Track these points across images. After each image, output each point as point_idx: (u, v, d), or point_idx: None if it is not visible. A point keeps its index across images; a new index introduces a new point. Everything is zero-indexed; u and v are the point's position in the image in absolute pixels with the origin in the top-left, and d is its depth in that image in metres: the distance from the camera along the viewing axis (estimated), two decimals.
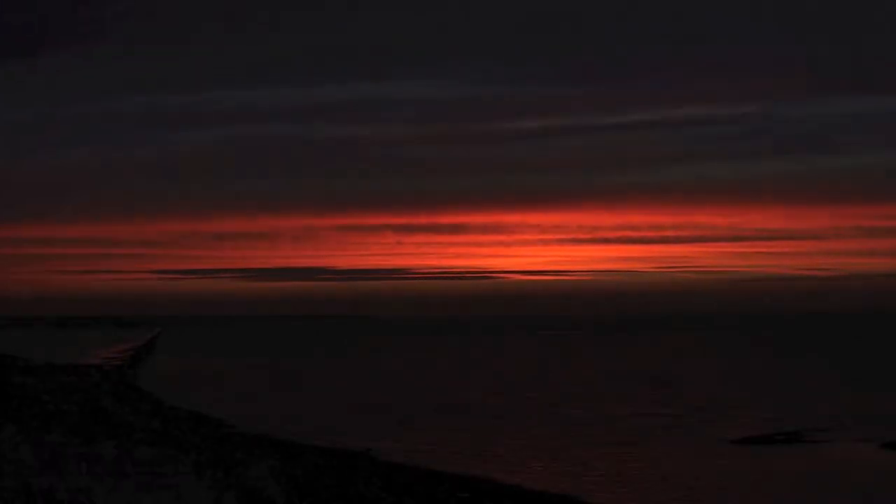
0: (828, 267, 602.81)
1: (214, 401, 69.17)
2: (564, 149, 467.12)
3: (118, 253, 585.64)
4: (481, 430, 51.25)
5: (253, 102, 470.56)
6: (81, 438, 31.65)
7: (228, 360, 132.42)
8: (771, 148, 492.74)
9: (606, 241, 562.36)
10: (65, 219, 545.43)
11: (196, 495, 22.56)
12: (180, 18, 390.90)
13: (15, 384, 65.93)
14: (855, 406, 60.79)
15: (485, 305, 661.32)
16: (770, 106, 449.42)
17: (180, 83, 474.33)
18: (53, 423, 37.18)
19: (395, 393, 75.66)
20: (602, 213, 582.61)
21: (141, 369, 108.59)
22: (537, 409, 61.62)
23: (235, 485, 24.26)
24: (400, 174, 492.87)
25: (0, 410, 39.67)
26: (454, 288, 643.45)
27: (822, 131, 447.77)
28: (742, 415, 56.77)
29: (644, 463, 39.91)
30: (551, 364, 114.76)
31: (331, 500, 27.76)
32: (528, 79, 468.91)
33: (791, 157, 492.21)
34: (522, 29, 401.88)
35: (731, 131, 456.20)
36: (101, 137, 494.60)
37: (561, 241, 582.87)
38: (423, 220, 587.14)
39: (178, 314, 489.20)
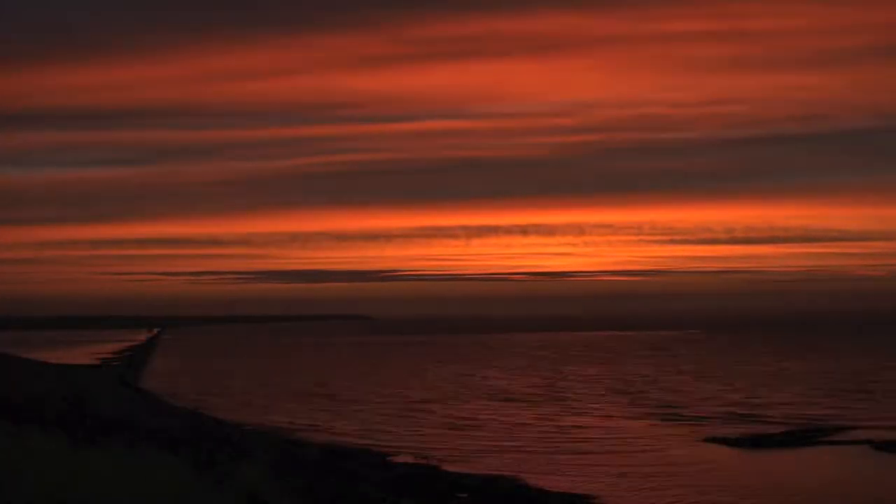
0: None
1: (215, 400, 69.35)
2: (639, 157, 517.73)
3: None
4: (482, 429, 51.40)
5: None
6: (81, 438, 31.73)
7: (231, 361, 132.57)
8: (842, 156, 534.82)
9: (675, 241, 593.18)
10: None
11: (196, 495, 22.64)
12: None
13: (15, 384, 65.98)
14: None
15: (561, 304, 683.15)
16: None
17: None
18: (52, 424, 37.26)
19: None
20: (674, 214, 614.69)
21: (141, 369, 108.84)
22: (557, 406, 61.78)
23: (235, 485, 24.34)
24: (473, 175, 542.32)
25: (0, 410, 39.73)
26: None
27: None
28: None
29: (647, 462, 40.04)
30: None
31: (331, 500, 27.86)
32: None
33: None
34: None
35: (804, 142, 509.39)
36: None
37: (629, 242, 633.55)
38: (495, 221, 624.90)
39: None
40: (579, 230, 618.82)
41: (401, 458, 40.85)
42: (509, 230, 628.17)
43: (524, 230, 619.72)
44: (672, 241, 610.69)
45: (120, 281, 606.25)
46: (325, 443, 45.86)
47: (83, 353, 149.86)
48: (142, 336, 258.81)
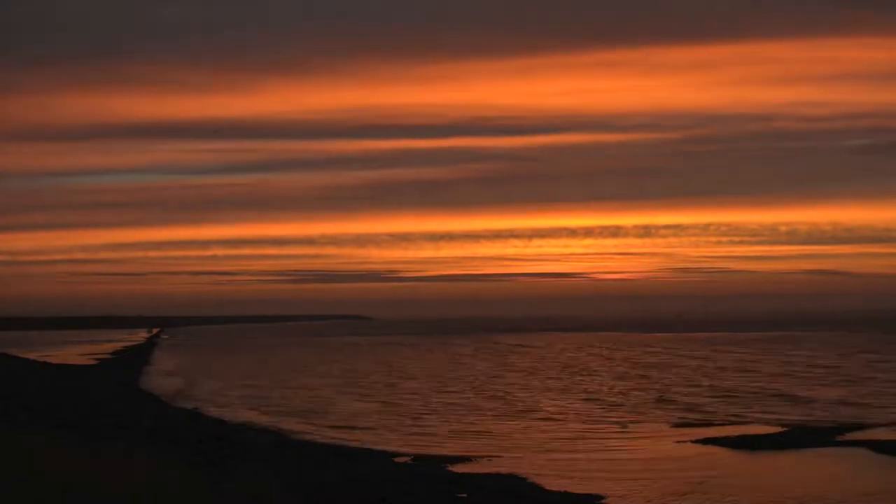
0: None
1: (215, 400, 69.40)
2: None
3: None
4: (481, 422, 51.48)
5: None
6: (82, 438, 31.78)
7: (232, 362, 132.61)
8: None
9: (734, 242, 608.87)
10: None
11: (196, 495, 22.70)
12: None
13: (16, 383, 66.06)
14: None
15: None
16: None
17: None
18: (52, 424, 37.33)
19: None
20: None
21: (141, 369, 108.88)
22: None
23: (235, 485, 24.40)
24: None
25: (2, 410, 39.85)
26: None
27: None
28: None
29: (646, 461, 40.11)
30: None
31: (331, 499, 27.92)
32: None
33: None
34: None
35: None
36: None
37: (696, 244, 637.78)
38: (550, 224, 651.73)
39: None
40: (645, 231, 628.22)
41: (402, 459, 40.93)
42: (573, 232, 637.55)
43: (588, 231, 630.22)
44: (731, 242, 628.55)
45: (134, 282, 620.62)
46: (326, 442, 45.95)
47: (82, 353, 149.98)
48: (141, 336, 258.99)
